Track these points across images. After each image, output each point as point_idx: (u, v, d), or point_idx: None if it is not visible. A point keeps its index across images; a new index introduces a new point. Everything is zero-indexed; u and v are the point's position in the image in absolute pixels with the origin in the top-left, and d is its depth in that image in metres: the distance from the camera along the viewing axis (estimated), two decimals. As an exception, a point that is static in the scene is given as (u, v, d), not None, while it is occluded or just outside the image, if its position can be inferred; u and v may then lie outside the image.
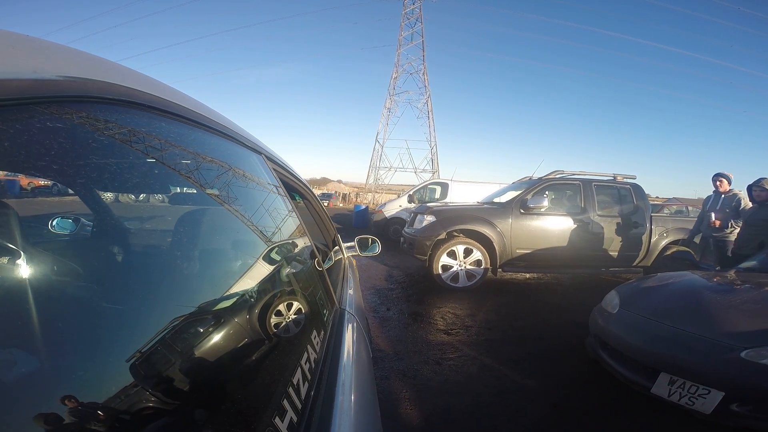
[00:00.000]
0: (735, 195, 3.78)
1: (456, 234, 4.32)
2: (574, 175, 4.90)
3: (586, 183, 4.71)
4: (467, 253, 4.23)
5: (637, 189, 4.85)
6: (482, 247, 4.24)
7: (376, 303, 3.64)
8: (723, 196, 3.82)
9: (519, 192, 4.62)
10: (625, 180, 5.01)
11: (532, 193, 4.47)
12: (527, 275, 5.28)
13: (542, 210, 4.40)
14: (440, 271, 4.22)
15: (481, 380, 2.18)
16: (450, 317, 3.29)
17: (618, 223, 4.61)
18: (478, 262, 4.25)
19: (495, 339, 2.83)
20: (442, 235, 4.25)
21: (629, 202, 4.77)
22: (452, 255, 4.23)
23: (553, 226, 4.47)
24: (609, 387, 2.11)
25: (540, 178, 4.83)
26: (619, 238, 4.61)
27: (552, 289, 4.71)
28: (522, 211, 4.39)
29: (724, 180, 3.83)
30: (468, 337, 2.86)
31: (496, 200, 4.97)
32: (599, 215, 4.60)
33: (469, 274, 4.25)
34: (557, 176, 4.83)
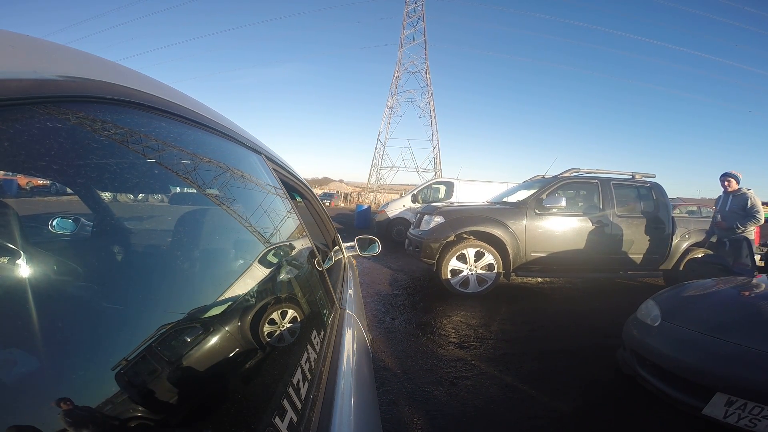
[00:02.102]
0: (744, 194, 3.81)
1: (466, 236, 4.28)
2: (590, 173, 4.85)
3: (605, 182, 4.65)
4: (478, 256, 4.18)
5: (658, 188, 4.78)
6: (494, 250, 4.18)
7: (380, 311, 3.51)
8: (731, 196, 3.86)
9: (532, 191, 4.57)
10: (644, 178, 4.94)
11: (547, 193, 4.41)
12: (539, 279, 5.21)
13: (559, 210, 4.35)
14: (449, 276, 4.16)
15: (504, 404, 2.01)
16: (462, 328, 3.17)
17: (638, 225, 4.55)
18: (489, 266, 4.19)
19: (514, 353, 2.69)
20: (451, 237, 4.20)
21: (650, 202, 4.70)
22: (462, 258, 4.18)
23: (571, 228, 4.41)
24: (651, 408, 1.99)
25: (555, 177, 4.78)
26: (640, 240, 4.54)
27: (567, 294, 4.65)
28: (537, 211, 4.34)
29: (732, 180, 3.88)
30: (484, 351, 2.70)
31: (506, 200, 4.94)
32: (619, 216, 4.54)
33: (480, 279, 4.20)
34: (573, 174, 4.78)
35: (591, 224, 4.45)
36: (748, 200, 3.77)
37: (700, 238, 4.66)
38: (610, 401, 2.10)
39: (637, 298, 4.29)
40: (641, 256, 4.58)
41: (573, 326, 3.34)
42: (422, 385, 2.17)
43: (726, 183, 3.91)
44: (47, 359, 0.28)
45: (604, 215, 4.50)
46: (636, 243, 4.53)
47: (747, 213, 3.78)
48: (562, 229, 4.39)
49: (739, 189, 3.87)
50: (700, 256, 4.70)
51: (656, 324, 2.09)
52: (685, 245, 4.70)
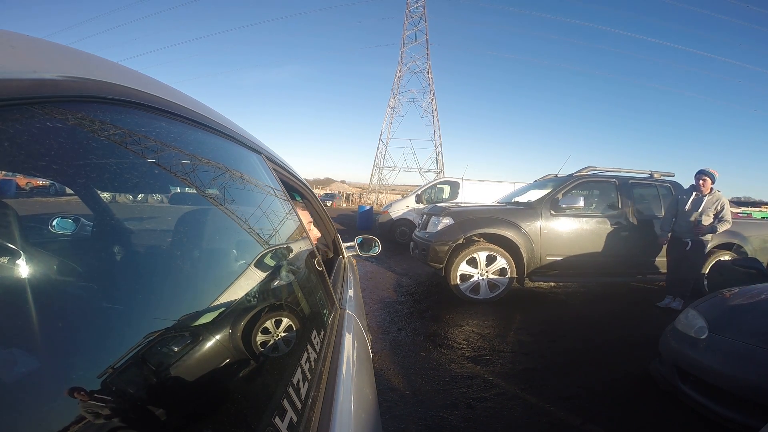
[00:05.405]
0: (719, 198, 3.81)
1: (476, 239, 4.26)
2: (607, 171, 4.80)
3: (623, 181, 4.60)
4: (490, 260, 4.13)
5: (678, 188, 4.71)
6: (507, 254, 4.14)
7: (385, 321, 3.40)
8: (705, 197, 3.83)
9: (546, 191, 4.53)
10: (663, 177, 4.88)
11: (563, 192, 4.36)
12: (552, 283, 5.14)
13: (576, 211, 4.29)
14: (458, 282, 4.11)
15: (531, 430, 1.86)
16: (475, 339, 3.06)
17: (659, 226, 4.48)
18: (502, 271, 4.14)
19: (536, 368, 2.56)
20: (461, 240, 4.15)
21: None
22: (472, 263, 4.14)
23: (589, 229, 4.36)
24: (697, 429, 1.87)
25: (570, 176, 4.74)
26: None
27: (583, 299, 4.60)
28: (553, 212, 4.28)
29: (708, 179, 3.83)
30: (502, 366, 2.57)
31: (516, 200, 4.90)
32: (639, 217, 4.48)
33: (491, 285, 4.15)
34: (589, 173, 4.74)
35: (609, 225, 4.39)
36: (723, 205, 3.79)
37: (724, 240, 4.57)
38: (648, 421, 1.98)
39: (657, 302, 4.22)
40: (663, 259, 4.51)
41: (594, 335, 3.27)
42: (435, 408, 2.01)
43: (701, 182, 3.84)
44: (47, 359, 0.29)
45: (623, 216, 4.45)
46: (657, 245, 4.46)
47: (720, 218, 3.79)
48: (580, 230, 4.34)
49: (712, 190, 3.85)
50: (726, 258, 4.61)
51: (703, 336, 2.01)
52: (708, 247, 4.61)
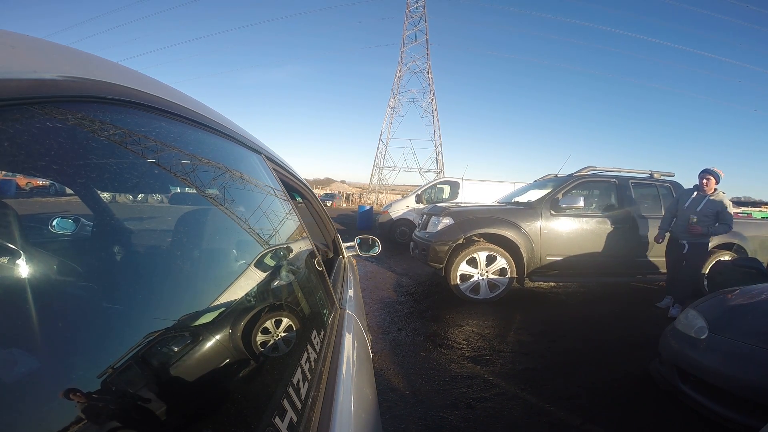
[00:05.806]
0: (721, 200, 3.65)
1: (476, 239, 4.26)
2: (607, 171, 4.80)
3: (623, 180, 4.61)
4: (490, 260, 4.14)
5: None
6: (507, 254, 4.14)
7: (385, 321, 3.40)
8: (707, 197, 3.69)
9: (546, 191, 4.53)
10: (663, 177, 4.88)
11: (563, 192, 4.37)
12: (552, 283, 5.14)
13: (576, 211, 4.29)
14: (458, 281, 4.12)
15: (531, 430, 1.85)
16: (475, 339, 3.06)
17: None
18: (502, 271, 4.14)
19: (536, 368, 2.56)
20: (461, 240, 4.16)
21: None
22: (472, 263, 4.14)
23: (589, 229, 4.36)
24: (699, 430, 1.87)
25: (570, 176, 4.74)
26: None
27: (583, 299, 4.60)
28: (553, 212, 4.29)
29: (712, 178, 3.69)
30: (502, 366, 2.57)
31: (516, 200, 4.90)
32: (639, 216, 4.48)
33: (491, 285, 4.15)
34: (589, 173, 4.74)
35: (609, 225, 4.39)
36: (725, 207, 3.61)
37: (724, 240, 4.57)
38: (648, 421, 1.98)
39: (657, 302, 4.23)
40: (662, 259, 4.51)
41: (594, 335, 3.27)
42: (435, 408, 2.01)
43: (705, 181, 3.69)
44: (47, 359, 0.29)
45: (623, 216, 4.45)
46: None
47: (721, 220, 3.62)
48: (580, 230, 4.34)
49: (716, 191, 3.71)
50: (726, 258, 4.61)
51: (703, 336, 2.01)
52: (708, 246, 4.61)
